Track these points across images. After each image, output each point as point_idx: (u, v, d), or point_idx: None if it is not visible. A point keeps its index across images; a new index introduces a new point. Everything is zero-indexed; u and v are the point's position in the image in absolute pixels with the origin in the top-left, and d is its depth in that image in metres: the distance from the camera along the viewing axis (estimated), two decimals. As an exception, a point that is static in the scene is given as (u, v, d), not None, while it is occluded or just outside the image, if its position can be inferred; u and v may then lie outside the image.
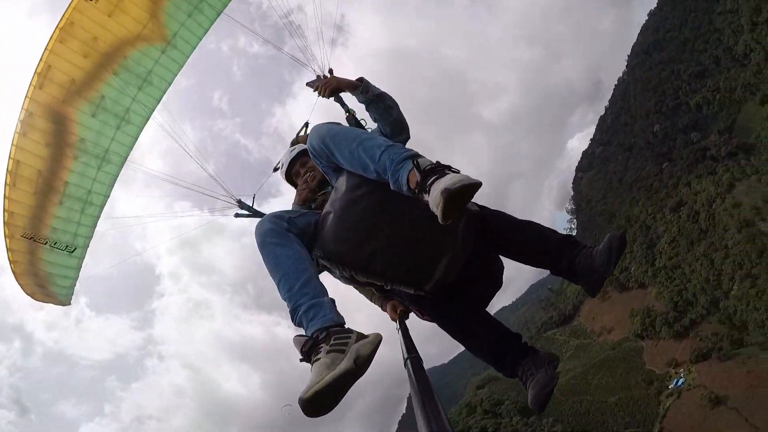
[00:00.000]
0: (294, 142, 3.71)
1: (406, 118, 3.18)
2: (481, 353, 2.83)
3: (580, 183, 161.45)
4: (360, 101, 3.15)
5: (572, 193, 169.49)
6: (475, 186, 1.80)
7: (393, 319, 3.34)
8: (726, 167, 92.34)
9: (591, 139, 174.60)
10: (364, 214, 2.36)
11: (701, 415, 62.64)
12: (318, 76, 3.92)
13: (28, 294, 4.76)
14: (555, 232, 2.63)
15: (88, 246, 4.92)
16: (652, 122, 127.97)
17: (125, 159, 4.79)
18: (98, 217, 4.87)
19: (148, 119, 4.76)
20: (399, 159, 2.07)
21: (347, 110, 3.62)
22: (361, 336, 1.91)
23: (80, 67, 3.97)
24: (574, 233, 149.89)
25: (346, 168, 2.38)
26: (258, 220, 3.86)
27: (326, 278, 2.83)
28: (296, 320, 2.05)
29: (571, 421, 78.09)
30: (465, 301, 2.81)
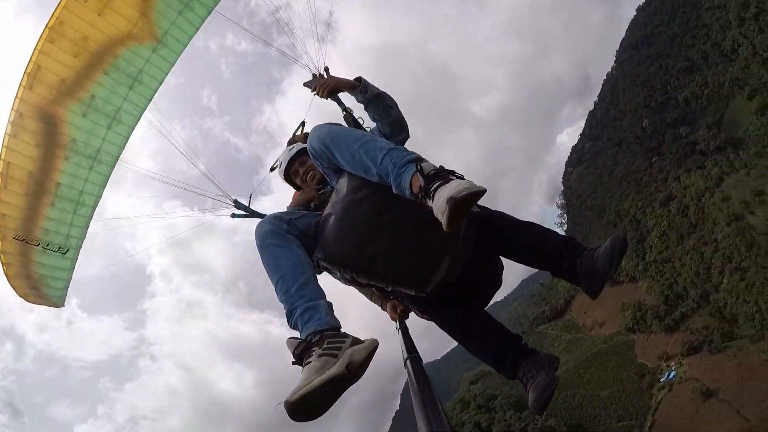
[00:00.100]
0: (291, 142, 3.68)
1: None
2: (481, 354, 2.84)
3: (570, 178, 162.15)
4: (359, 101, 3.13)
5: (562, 188, 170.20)
6: (480, 193, 1.79)
7: (393, 319, 3.35)
8: (715, 161, 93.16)
9: (580, 134, 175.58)
10: (365, 217, 2.36)
11: (693, 407, 63.34)
12: (314, 75, 3.90)
13: (21, 296, 4.72)
14: (556, 233, 2.66)
15: (80, 247, 4.88)
16: (641, 117, 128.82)
17: (117, 159, 4.76)
18: (90, 217, 4.83)
19: (139, 119, 4.73)
20: (402, 162, 2.06)
21: (344, 109, 3.59)
22: (356, 341, 1.88)
23: (70, 66, 3.94)
24: (564, 228, 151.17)
25: (347, 170, 2.37)
26: (254, 220, 3.88)
27: (326, 278, 2.84)
28: (292, 323, 2.05)
29: (564, 415, 78.65)
30: (465, 301, 2.82)
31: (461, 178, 1.91)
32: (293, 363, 1.87)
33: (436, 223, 1.86)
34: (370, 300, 3.70)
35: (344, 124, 3.44)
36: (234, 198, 3.99)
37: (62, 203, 4.55)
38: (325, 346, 1.83)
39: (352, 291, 3.62)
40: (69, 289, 5.11)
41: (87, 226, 4.84)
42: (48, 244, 4.55)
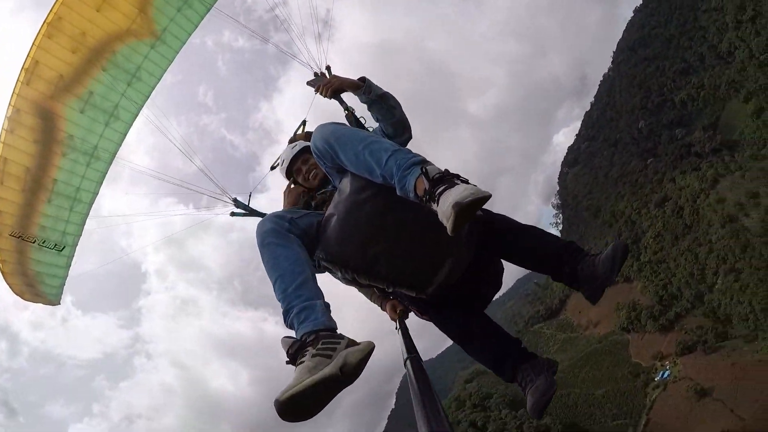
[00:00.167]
0: (292, 141, 3.65)
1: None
2: (480, 356, 2.84)
3: (565, 178, 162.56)
4: (362, 101, 3.11)
5: (558, 188, 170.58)
6: (485, 199, 1.78)
7: (393, 319, 3.34)
8: (710, 163, 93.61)
9: (576, 135, 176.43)
10: (368, 217, 2.35)
11: (687, 406, 63.77)
12: (315, 74, 3.87)
13: (16, 294, 4.68)
14: (558, 238, 2.66)
15: (77, 244, 4.85)
16: (638, 118, 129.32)
17: (114, 156, 4.72)
18: (87, 215, 4.79)
19: (137, 115, 4.70)
20: (406, 165, 2.05)
21: (346, 108, 3.55)
22: (352, 343, 1.87)
23: (68, 62, 3.90)
24: (559, 228, 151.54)
25: (351, 170, 2.35)
26: (254, 218, 3.86)
27: (327, 279, 2.83)
28: (288, 322, 2.04)
29: (560, 414, 79.00)
30: (465, 302, 2.82)
31: (466, 182, 1.90)
32: (287, 362, 1.85)
33: (439, 226, 1.85)
34: (370, 300, 3.69)
35: (346, 123, 3.43)
36: (234, 197, 3.96)
37: (59, 200, 4.50)
38: (319, 346, 1.82)
39: (350, 292, 3.61)
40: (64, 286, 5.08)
41: (83, 223, 4.80)
42: (44, 241, 4.51)
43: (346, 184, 2.44)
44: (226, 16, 4.82)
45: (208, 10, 4.51)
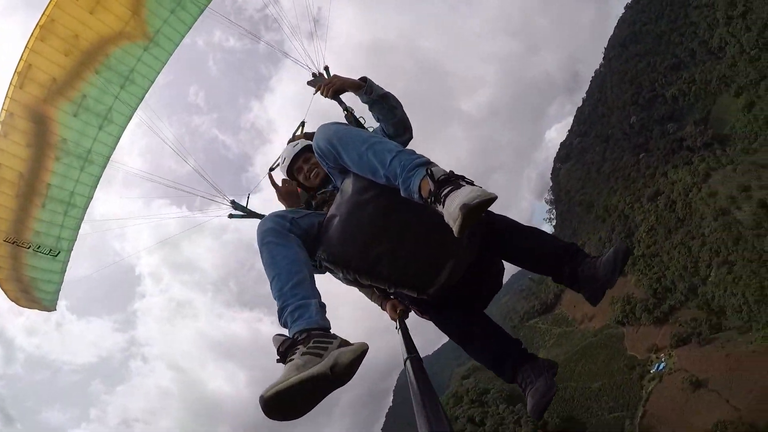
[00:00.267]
0: (291, 142, 3.64)
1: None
2: (480, 357, 2.84)
3: (558, 174, 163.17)
4: (363, 101, 3.09)
5: (551, 184, 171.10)
6: (492, 200, 1.78)
7: (393, 319, 3.33)
8: (702, 157, 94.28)
9: (569, 131, 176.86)
10: (370, 218, 2.34)
11: (683, 398, 64.33)
12: (314, 74, 3.85)
13: (12, 300, 4.63)
14: (558, 239, 2.65)
15: (71, 249, 4.80)
16: (629, 113, 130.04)
17: (108, 159, 4.68)
18: (81, 219, 4.75)
19: (130, 118, 4.66)
20: (411, 166, 2.04)
21: (345, 109, 3.53)
22: (344, 343, 1.85)
23: (61, 65, 3.86)
24: (553, 223, 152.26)
25: (354, 170, 2.35)
26: (251, 220, 3.84)
27: (326, 279, 2.81)
28: (282, 320, 2.02)
29: (557, 408, 79.38)
30: (466, 302, 2.82)
31: (471, 183, 1.89)
32: (278, 361, 1.82)
33: (441, 227, 1.85)
34: (370, 299, 3.69)
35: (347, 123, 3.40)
36: (231, 198, 3.93)
37: (53, 205, 4.46)
38: (310, 345, 1.80)
39: (350, 293, 3.60)
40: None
41: (78, 227, 4.76)
42: (39, 247, 4.47)
43: (348, 185, 2.43)
44: (220, 16, 4.80)
45: (201, 12, 4.48)
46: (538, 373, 2.56)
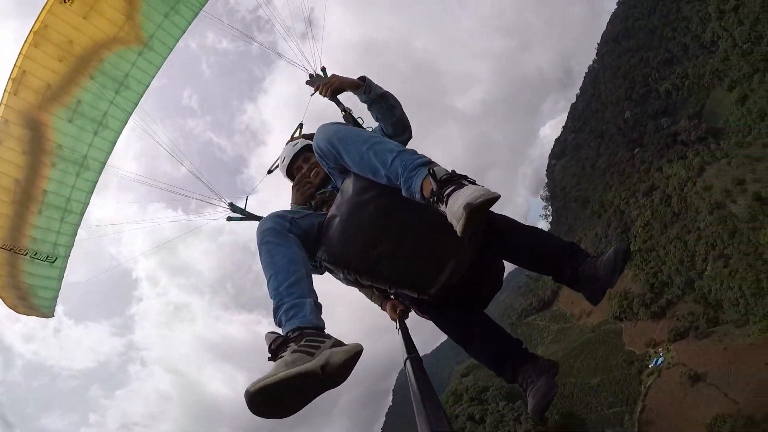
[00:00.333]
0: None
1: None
2: (481, 356, 2.85)
3: (553, 170, 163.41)
4: (362, 101, 3.08)
5: (546, 180, 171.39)
6: (495, 199, 1.78)
7: (393, 319, 3.31)
8: (696, 151, 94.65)
9: (563, 127, 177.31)
10: (371, 218, 2.34)
11: (682, 392, 64.57)
12: (310, 75, 3.84)
13: (9, 307, 4.62)
14: (559, 239, 2.66)
15: (69, 256, 4.79)
16: (623, 109, 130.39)
17: (104, 165, 4.67)
18: (78, 225, 4.74)
19: (125, 123, 4.64)
20: (413, 166, 2.04)
21: (343, 109, 3.51)
22: (338, 343, 1.82)
23: (56, 71, 3.84)
24: (549, 219, 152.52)
25: (354, 171, 2.34)
26: (250, 222, 3.83)
27: (325, 279, 2.82)
28: (277, 319, 2.02)
29: (556, 404, 79.50)
30: (466, 302, 2.83)
31: (474, 183, 1.89)
32: (269, 359, 1.80)
33: (442, 227, 1.86)
34: (370, 299, 3.69)
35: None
36: (230, 201, 3.93)
37: (49, 211, 4.45)
38: (302, 343, 1.78)
39: (350, 294, 3.60)
40: (56, 297, 5.01)
41: (75, 233, 4.74)
42: (36, 253, 4.46)
43: (348, 185, 2.43)
44: (213, 18, 4.78)
45: (196, 16, 4.46)
46: (539, 373, 2.57)
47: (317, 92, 3.24)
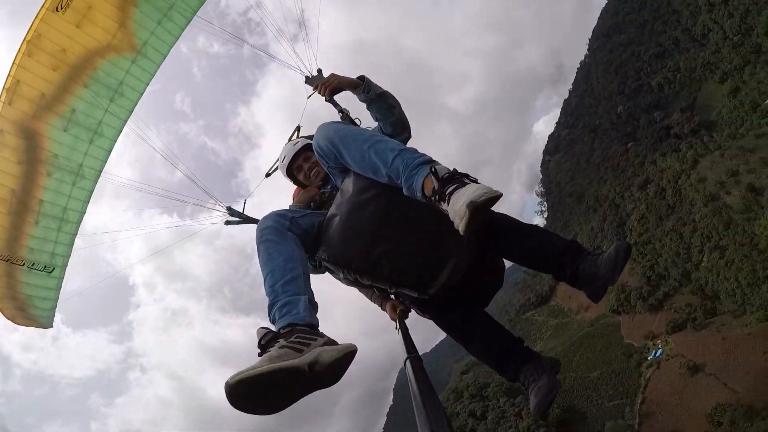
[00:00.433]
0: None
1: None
2: (483, 356, 2.85)
3: (547, 166, 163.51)
4: (361, 100, 3.06)
5: (541, 176, 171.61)
6: (497, 198, 1.77)
7: (393, 319, 3.29)
8: (689, 144, 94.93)
9: (556, 123, 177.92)
10: (371, 218, 2.33)
11: (681, 383, 64.83)
12: (306, 77, 3.82)
13: (8, 318, 4.59)
14: (560, 238, 2.65)
15: (66, 265, 4.77)
16: (616, 103, 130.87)
17: (100, 173, 4.65)
18: (75, 234, 4.72)
19: (120, 131, 4.63)
20: (414, 164, 2.02)
21: (341, 110, 3.47)
22: (331, 342, 1.79)
23: (49, 80, 3.83)
24: (545, 215, 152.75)
25: (355, 170, 2.33)
26: (249, 226, 3.82)
27: (325, 279, 2.81)
28: (270, 316, 2.00)
29: (557, 398, 78.56)
30: (466, 302, 2.83)
31: (475, 181, 1.89)
32: (259, 355, 1.74)
33: (442, 226, 1.86)
34: (370, 299, 3.68)
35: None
36: (227, 205, 3.92)
37: (46, 221, 4.43)
38: (292, 339, 1.73)
39: (349, 294, 3.59)
40: (55, 307, 4.98)
41: (72, 243, 4.72)
42: (33, 264, 4.44)
43: (348, 184, 2.43)
44: (205, 22, 4.76)
45: (188, 22, 4.44)
46: (541, 371, 2.57)
47: (316, 92, 3.23)
